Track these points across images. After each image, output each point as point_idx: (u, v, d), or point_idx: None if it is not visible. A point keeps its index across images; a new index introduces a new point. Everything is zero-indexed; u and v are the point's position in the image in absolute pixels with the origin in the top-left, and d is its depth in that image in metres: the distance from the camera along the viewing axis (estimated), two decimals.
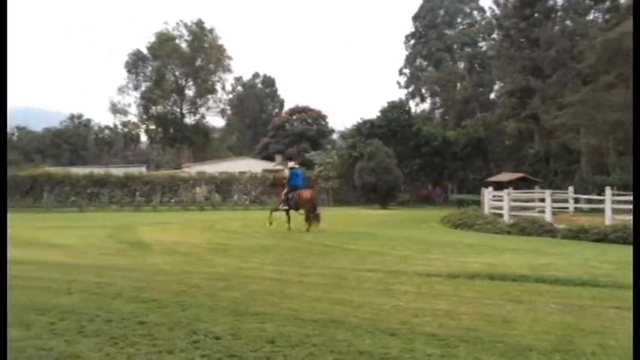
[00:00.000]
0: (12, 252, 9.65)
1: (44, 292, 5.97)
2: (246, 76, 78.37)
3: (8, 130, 66.42)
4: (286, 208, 15.40)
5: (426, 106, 57.51)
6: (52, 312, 5.02)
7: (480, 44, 53.41)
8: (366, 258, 9.40)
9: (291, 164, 17.32)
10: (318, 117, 57.11)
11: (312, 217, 14.88)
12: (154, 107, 62.59)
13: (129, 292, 5.95)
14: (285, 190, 15.53)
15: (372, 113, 50.50)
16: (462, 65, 53.19)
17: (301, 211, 15.24)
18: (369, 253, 10.21)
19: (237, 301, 5.57)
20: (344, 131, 52.31)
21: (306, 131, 54.55)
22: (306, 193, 15.15)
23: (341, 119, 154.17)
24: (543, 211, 16.39)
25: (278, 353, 3.82)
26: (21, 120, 76.28)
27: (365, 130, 38.61)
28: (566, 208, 20.96)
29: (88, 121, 74.31)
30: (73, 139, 67.72)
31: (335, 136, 59.66)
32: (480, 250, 10.90)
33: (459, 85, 51.48)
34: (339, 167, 37.47)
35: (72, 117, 73.60)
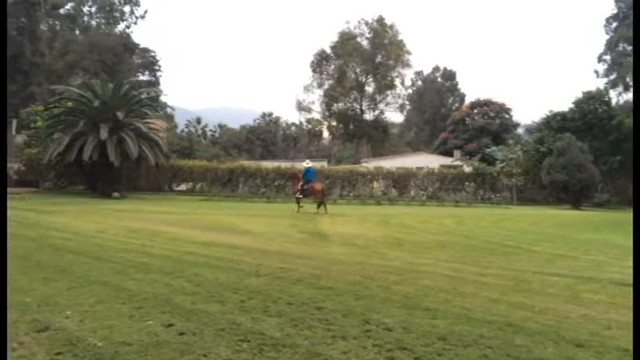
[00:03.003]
0: (214, 236, 10.92)
1: (237, 273, 6.63)
2: (426, 70, 77.54)
3: (211, 127, 75.15)
4: (301, 196, 19.67)
5: (629, 96, 50.77)
6: (243, 291, 5.57)
7: None
8: (551, 261, 8.69)
9: (304, 163, 21.91)
10: (502, 110, 54.06)
11: (321, 203, 18.99)
12: (335, 104, 65.26)
13: (308, 279, 6.33)
14: (301, 183, 19.79)
15: (564, 105, 46.03)
16: None
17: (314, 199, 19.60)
18: (556, 256, 9.42)
19: (410, 295, 5.58)
20: (530, 125, 48.70)
21: (488, 126, 51.98)
22: (318, 186, 19.62)
23: (527, 112, 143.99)
24: None
25: (449, 351, 3.74)
26: (221, 118, 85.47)
27: (555, 124, 35.49)
28: None
29: (277, 118, 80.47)
30: (264, 135, 73.82)
31: (520, 131, 55.89)
32: None
33: None
34: (524, 163, 35.02)
35: (263, 115, 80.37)
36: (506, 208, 28.39)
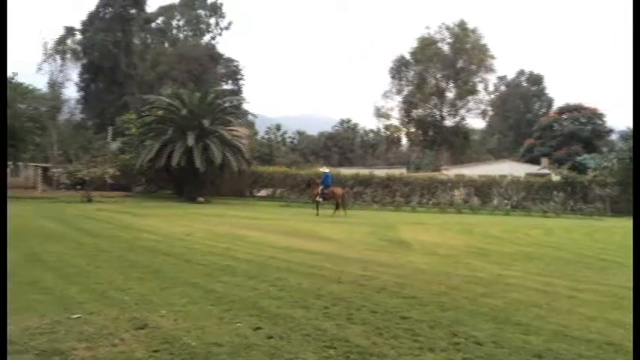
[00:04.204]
0: (295, 241, 11.08)
1: (319, 279, 6.68)
2: (510, 75, 74.80)
3: (290, 134, 76.60)
4: (320, 200, 21.42)
5: None
6: (326, 297, 5.60)
7: None
8: None
9: (321, 169, 24.29)
10: (594, 116, 50.95)
11: (340, 205, 21.23)
12: (414, 110, 64.44)
13: (391, 287, 6.25)
14: (321, 187, 21.66)
15: None
16: None
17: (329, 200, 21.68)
18: None
19: (498, 308, 5.37)
20: (626, 131, 45.59)
21: (578, 132, 49.11)
22: (338, 190, 21.78)
23: (622, 118, 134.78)
24: None
25: None
26: (300, 125, 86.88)
27: None
28: None
29: (355, 125, 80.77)
30: (342, 142, 74.30)
31: (614, 137, 52.38)
32: None
33: None
34: (619, 172, 32.76)
35: (342, 122, 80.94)
36: (598, 219, 26.72)
